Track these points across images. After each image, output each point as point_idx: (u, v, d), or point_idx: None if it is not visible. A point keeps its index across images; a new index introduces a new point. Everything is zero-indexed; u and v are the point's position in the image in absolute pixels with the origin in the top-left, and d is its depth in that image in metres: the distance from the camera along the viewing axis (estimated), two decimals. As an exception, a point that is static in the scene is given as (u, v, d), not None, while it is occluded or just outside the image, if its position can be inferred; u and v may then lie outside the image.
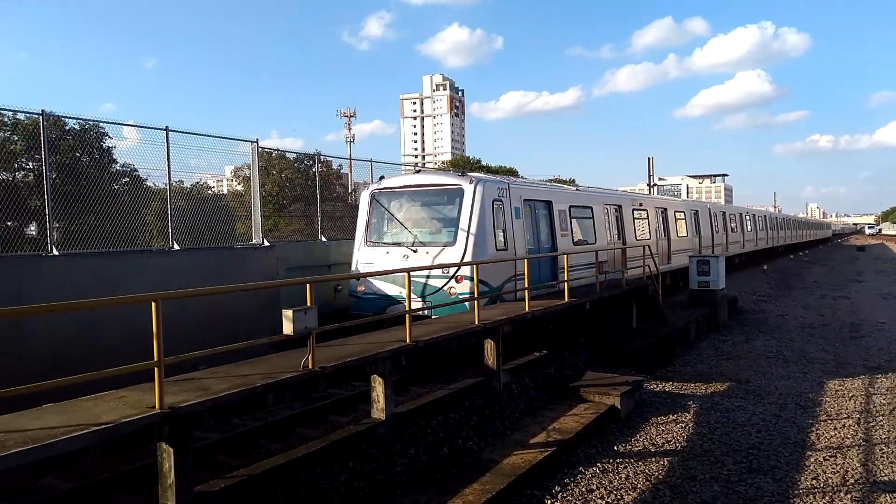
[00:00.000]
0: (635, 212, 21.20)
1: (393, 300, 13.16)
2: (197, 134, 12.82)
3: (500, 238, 13.58)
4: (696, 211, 28.73)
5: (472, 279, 11.23)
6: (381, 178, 15.61)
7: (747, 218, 41.32)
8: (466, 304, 11.87)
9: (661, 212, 24.20)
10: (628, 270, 17.28)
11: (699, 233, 28.10)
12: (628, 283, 16.44)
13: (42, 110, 10.51)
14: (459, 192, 13.48)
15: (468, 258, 12.72)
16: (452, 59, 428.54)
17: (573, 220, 16.79)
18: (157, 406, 5.87)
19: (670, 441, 9.79)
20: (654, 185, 51.46)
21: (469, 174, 14.22)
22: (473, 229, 13.06)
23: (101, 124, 13.94)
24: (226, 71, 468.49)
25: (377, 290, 13.47)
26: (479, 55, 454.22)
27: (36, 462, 5.06)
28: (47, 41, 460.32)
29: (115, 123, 14.09)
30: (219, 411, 6.38)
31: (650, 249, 19.20)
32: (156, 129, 12.17)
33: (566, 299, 13.23)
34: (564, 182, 42.76)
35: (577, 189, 18.83)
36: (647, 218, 22.37)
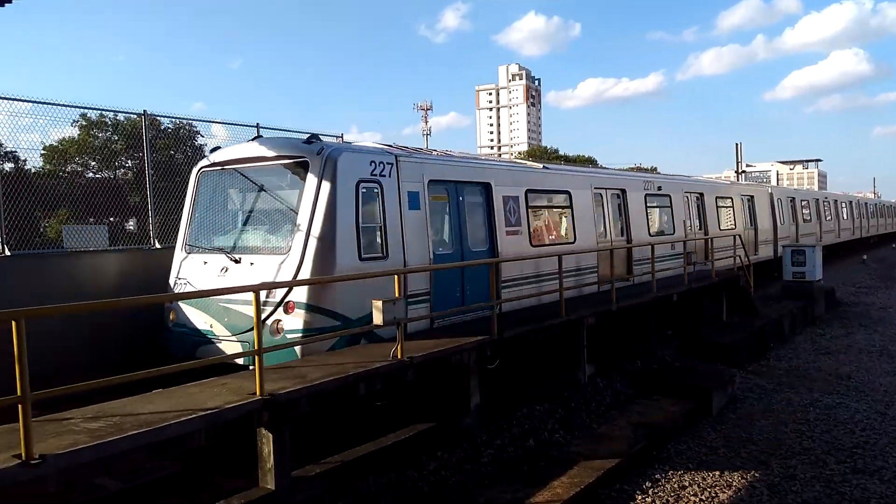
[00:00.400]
0: (649, 197, 16.35)
1: (203, 337, 8.94)
2: (291, 131, 13.18)
3: (374, 240, 9.05)
4: (752, 196, 23.88)
5: (311, 309, 8.15)
6: (215, 149, 10.70)
7: (843, 205, 38.95)
8: (297, 348, 8.01)
9: (698, 197, 19.88)
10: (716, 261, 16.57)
11: (754, 223, 25.60)
12: (718, 275, 15.86)
13: (144, 111, 11.11)
14: (303, 168, 8.88)
15: (306, 273, 8.30)
16: (529, 48, 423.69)
17: (533, 211, 12.20)
18: (257, 393, 6.12)
19: (766, 438, 9.43)
20: (742, 171, 49.42)
21: (322, 140, 9.30)
22: (318, 228, 8.43)
23: (192, 122, 14.67)
24: (308, 68, 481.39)
25: (186, 322, 9.18)
26: (556, 43, 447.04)
27: (150, 444, 5.39)
28: (141, 44, 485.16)
29: (206, 121, 14.78)
30: (314, 398, 6.59)
31: (741, 239, 18.38)
32: (247, 125, 12.64)
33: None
34: (645, 170, 41.51)
35: (544, 168, 13.68)
36: (671, 205, 17.34)
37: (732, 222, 21.97)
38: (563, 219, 13.37)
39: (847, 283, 26.03)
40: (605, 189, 14.38)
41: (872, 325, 18.04)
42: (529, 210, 11.89)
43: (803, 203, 29.98)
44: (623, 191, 14.97)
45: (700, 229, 19.32)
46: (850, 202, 43.22)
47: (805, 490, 7.71)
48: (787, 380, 12.52)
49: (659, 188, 16.78)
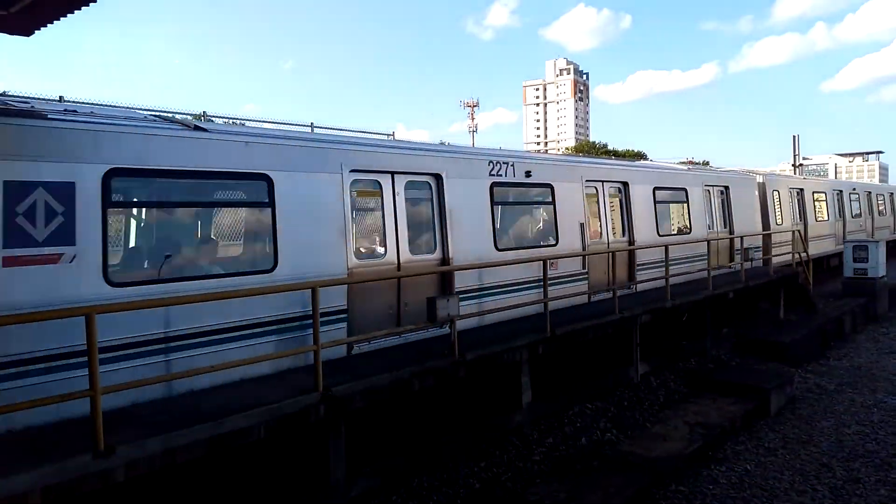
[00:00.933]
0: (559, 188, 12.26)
1: None
2: (340, 129, 13.34)
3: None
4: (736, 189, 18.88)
5: None
6: None
7: (880, 198, 37.24)
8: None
9: (798, 192, 20.44)
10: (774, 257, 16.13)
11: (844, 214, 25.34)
12: (775, 272, 15.44)
13: (203, 112, 11.41)
14: None
15: None
16: (577, 41, 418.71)
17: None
18: (316, 388, 6.24)
19: (828, 440, 9.15)
20: (800, 164, 47.99)
21: None
22: None
23: (245, 123, 14.97)
24: (356, 68, 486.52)
25: None
26: (606, 36, 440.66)
27: (211, 438, 5.55)
28: (197, 47, 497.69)
29: (259, 121, 15.05)
30: (369, 394, 6.69)
31: (800, 234, 17.83)
32: (303, 125, 12.84)
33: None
34: (697, 164, 40.57)
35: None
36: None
37: (824, 215, 22.05)
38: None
39: (912, 280, 24.99)
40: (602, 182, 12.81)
41: (940, 323, 17.29)
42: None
43: (853, 195, 28.96)
44: (625, 184, 13.30)
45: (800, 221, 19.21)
46: None
47: (870, 494, 7.47)
48: (849, 380, 12.11)
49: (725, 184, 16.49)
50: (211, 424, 5.46)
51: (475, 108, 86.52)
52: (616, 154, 60.98)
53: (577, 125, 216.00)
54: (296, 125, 12.12)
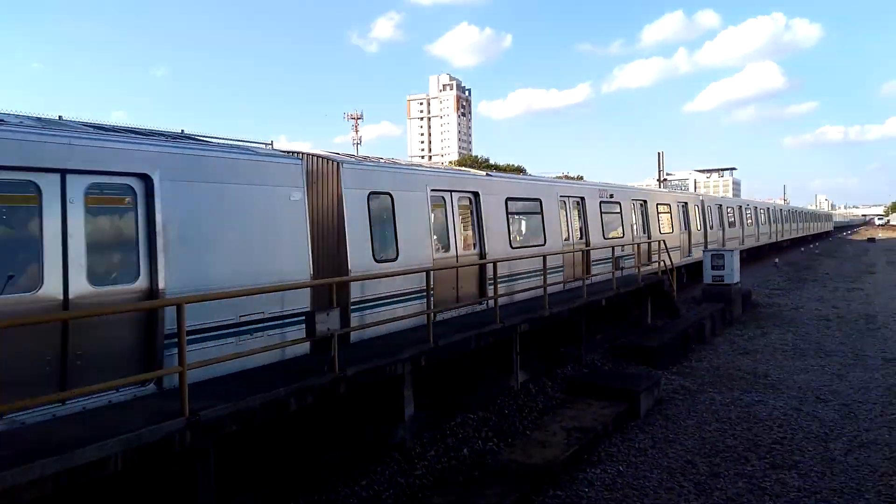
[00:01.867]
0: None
1: None
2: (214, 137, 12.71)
3: None
4: (627, 202, 20.52)
5: None
6: None
7: (761, 211, 40.96)
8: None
9: (642, 204, 20.96)
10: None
11: (688, 228, 26.97)
12: (643, 279, 16.33)
13: (59, 116, 10.53)
14: None
15: None
16: (461, 58, 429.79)
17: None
18: (182, 413, 5.84)
19: (691, 438, 9.71)
20: (664, 179, 51.37)
21: None
22: None
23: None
24: (235, 76, 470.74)
25: None
26: (488, 54, 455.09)
27: (58, 473, 5.03)
28: (59, 52, 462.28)
29: (128, 130, 14.11)
30: (242, 417, 6.35)
31: (665, 244, 19.02)
32: (173, 133, 12.15)
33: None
34: (572, 178, 42.50)
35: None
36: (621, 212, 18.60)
37: (670, 227, 23.29)
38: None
39: (761, 286, 27.32)
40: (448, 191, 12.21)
41: (785, 325, 18.95)
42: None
43: (729, 210, 31.64)
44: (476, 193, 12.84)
45: (644, 233, 20.24)
46: (768, 209, 45.67)
47: (729, 487, 7.97)
48: (710, 380, 12.97)
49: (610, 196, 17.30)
50: (58, 458, 4.95)
51: (359, 121, 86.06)
52: (498, 168, 62.58)
53: (460, 139, 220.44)
54: (167, 133, 11.50)
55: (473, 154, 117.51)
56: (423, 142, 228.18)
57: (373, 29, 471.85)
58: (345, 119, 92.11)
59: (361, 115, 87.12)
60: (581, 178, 56.01)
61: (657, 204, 22.50)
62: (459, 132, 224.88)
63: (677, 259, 21.98)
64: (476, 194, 12.77)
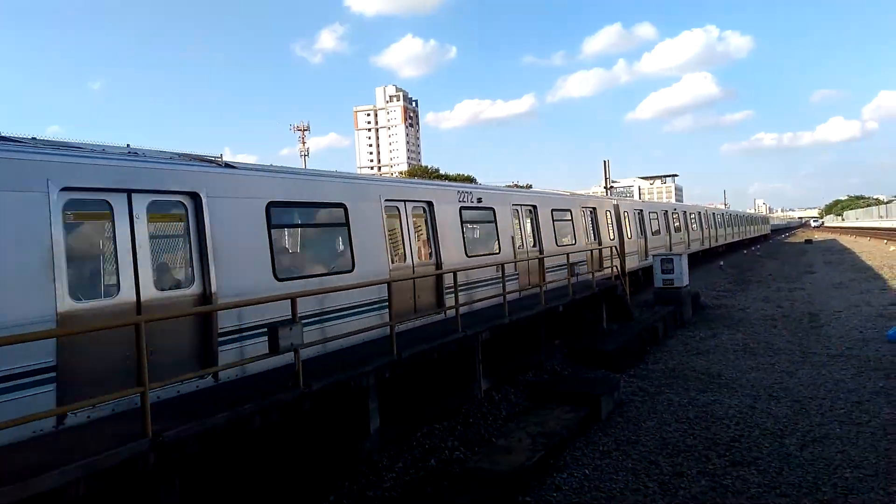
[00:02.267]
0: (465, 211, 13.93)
1: None
2: (164, 152, 12.38)
3: None
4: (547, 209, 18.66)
5: None
6: None
7: (692, 216, 42.05)
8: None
9: (592, 212, 21.19)
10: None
11: (644, 234, 27.70)
12: (598, 285, 16.60)
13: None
14: None
15: None
16: (407, 69, 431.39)
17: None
18: (145, 434, 5.64)
19: (653, 438, 9.88)
20: (610, 187, 52.40)
21: None
22: None
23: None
24: (177, 89, 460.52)
25: None
26: (434, 65, 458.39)
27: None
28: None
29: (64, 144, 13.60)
30: (207, 437, 6.17)
31: (617, 250, 19.38)
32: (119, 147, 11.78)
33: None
34: (521, 187, 42.97)
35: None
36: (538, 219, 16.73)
37: (616, 234, 23.72)
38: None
39: (708, 288, 28.11)
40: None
41: (734, 325, 19.52)
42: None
43: (652, 215, 32.21)
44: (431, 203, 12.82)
45: (595, 240, 20.54)
46: (699, 213, 46.74)
47: (692, 486, 8.13)
48: (666, 381, 13.24)
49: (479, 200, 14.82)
50: (12, 488, 4.70)
51: (306, 133, 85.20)
52: (448, 178, 62.87)
53: (408, 150, 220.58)
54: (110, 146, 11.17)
55: (423, 164, 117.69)
56: (371, 153, 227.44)
57: (317, 40, 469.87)
58: (291, 131, 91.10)
59: (308, 127, 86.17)
60: (530, 186, 56.71)
61: (552, 210, 19.17)
62: (408, 143, 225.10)
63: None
64: (430, 203, 12.85)
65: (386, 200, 11.60)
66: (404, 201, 12.23)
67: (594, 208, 22.11)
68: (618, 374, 13.52)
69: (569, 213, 19.57)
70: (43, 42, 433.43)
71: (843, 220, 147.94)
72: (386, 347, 9.04)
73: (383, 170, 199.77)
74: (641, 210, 28.48)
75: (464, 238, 13.71)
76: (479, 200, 14.71)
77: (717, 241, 48.58)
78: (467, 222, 14.06)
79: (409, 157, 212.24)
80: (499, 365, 12.33)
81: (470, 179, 72.02)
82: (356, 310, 10.04)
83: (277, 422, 7.08)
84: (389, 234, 11.48)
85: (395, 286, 10.31)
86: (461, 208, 13.78)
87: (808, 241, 74.55)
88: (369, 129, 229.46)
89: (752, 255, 52.07)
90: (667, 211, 32.30)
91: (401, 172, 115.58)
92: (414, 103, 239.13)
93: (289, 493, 7.72)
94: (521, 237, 16.48)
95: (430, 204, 12.81)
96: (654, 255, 22.61)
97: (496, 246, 15.16)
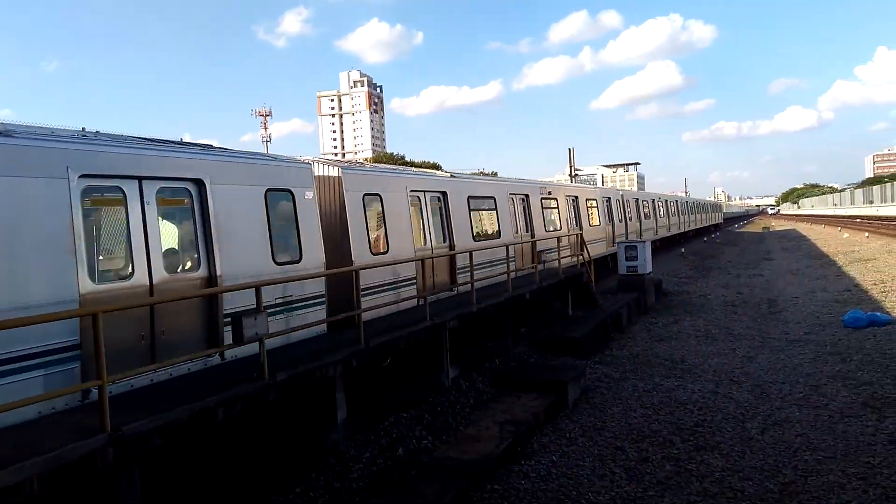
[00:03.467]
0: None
1: None
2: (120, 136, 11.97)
3: None
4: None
5: None
6: None
7: (671, 204, 42.74)
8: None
9: (574, 199, 23.57)
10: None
11: (611, 220, 28.63)
12: (564, 272, 16.69)
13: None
14: None
15: None
16: (372, 54, 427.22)
17: None
18: (103, 429, 5.44)
19: (619, 424, 9.98)
20: (575, 174, 52.80)
21: None
22: None
23: None
24: (135, 71, 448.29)
25: None
26: (400, 51, 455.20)
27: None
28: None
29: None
30: (168, 430, 5.99)
31: (582, 237, 19.59)
32: (71, 129, 11.34)
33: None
34: (487, 174, 42.99)
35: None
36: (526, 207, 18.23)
37: (597, 220, 25.62)
38: None
39: (670, 275, 28.57)
40: None
41: (696, 311, 19.87)
42: None
43: (644, 203, 32.99)
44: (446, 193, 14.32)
45: (577, 226, 21.18)
46: (677, 201, 47.63)
47: (658, 471, 8.23)
48: (631, 367, 13.40)
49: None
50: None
51: (269, 118, 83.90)
52: (414, 165, 62.63)
53: (373, 136, 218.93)
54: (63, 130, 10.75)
55: (388, 151, 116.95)
56: (335, 139, 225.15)
57: (281, 23, 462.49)
58: (253, 115, 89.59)
59: (270, 112, 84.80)
60: (496, 174, 56.80)
61: (541, 199, 20.34)
62: (373, 129, 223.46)
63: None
64: (444, 193, 14.28)
65: (411, 191, 13.04)
66: (424, 192, 13.62)
67: (576, 197, 23.78)
68: (583, 360, 13.62)
69: (555, 201, 21.10)
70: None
71: (798, 207, 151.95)
72: (352, 336, 8.92)
73: (347, 156, 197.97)
74: (621, 197, 29.95)
75: (471, 223, 15.13)
76: (482, 190, 16.35)
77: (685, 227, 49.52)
78: (473, 210, 15.44)
79: (373, 144, 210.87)
80: (466, 353, 12.30)
81: (435, 166, 71.84)
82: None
83: (242, 413, 6.92)
84: (413, 221, 12.95)
85: (418, 266, 12.27)
86: (469, 197, 15.18)
87: (766, 229, 76.32)
88: (333, 115, 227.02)
89: (711, 243, 53.12)
90: (637, 199, 33.12)
91: (365, 159, 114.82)
92: (378, 89, 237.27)
93: (255, 484, 7.57)
94: (516, 224, 17.73)
95: (444, 194, 14.21)
96: (618, 243, 22.87)
97: (497, 231, 16.59)
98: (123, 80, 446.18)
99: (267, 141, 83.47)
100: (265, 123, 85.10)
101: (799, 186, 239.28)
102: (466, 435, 9.39)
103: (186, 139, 10.41)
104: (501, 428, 9.51)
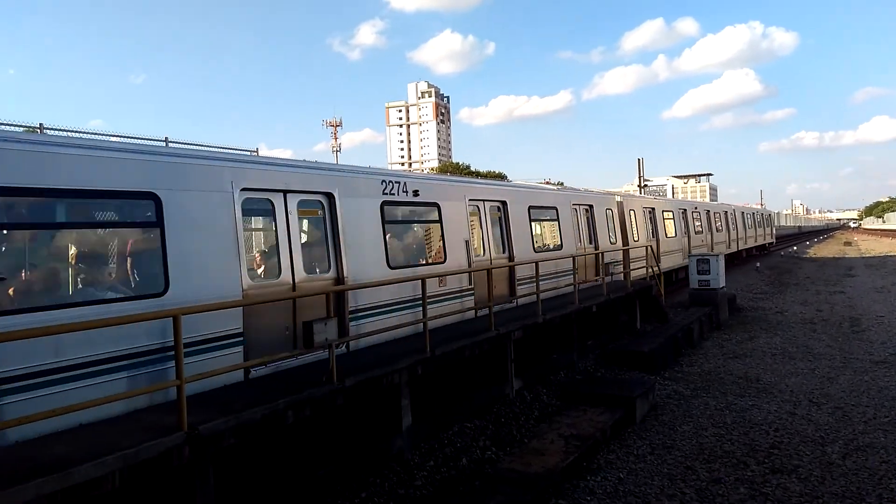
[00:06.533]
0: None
1: None
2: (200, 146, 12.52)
3: None
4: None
5: None
6: None
7: (748, 216, 41.30)
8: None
9: (651, 211, 23.50)
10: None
11: (687, 232, 28.06)
12: (633, 285, 16.34)
13: (40, 124, 10.26)
14: None
15: None
16: (443, 65, 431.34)
17: None
18: (180, 427, 5.66)
19: (689, 443, 9.67)
20: (644, 185, 51.72)
21: None
22: None
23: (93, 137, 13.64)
24: (215, 84, 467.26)
25: None
26: (471, 61, 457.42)
27: (55, 493, 4.84)
28: (35, 58, 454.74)
29: (106, 135, 13.78)
30: (241, 430, 6.17)
31: (652, 250, 19.14)
32: (154, 140, 11.91)
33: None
34: (552, 184, 42.57)
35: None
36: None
37: (674, 231, 25.52)
38: None
39: (745, 290, 27.55)
40: None
41: (772, 328, 19.08)
42: None
43: (716, 215, 32.49)
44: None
45: (653, 237, 20.89)
46: (753, 214, 45.78)
47: (731, 493, 7.92)
48: (702, 384, 12.97)
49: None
50: (56, 476, 4.75)
51: (338, 128, 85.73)
52: (479, 175, 62.76)
53: (439, 146, 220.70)
54: (148, 140, 11.25)
55: (454, 161, 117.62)
56: (402, 149, 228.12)
57: (355, 35, 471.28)
58: (324, 126, 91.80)
59: (340, 123, 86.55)
60: (562, 184, 56.21)
61: (606, 209, 19.89)
62: (439, 139, 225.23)
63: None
64: (504, 203, 14.01)
65: (469, 200, 12.95)
66: (484, 200, 13.48)
67: (653, 209, 23.56)
68: (652, 376, 13.28)
69: (627, 211, 21.08)
70: (87, 36, 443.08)
71: (884, 222, 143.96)
72: (418, 345, 8.99)
73: (414, 166, 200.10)
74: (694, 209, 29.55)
75: (531, 234, 14.84)
76: (544, 199, 15.99)
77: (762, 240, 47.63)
78: (534, 220, 15.20)
79: (439, 154, 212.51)
80: (531, 364, 12.19)
81: (501, 176, 71.77)
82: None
83: (311, 416, 7.06)
84: (471, 230, 12.90)
85: (476, 276, 12.17)
86: (529, 207, 14.88)
87: (848, 243, 72.43)
88: (401, 126, 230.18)
89: (788, 257, 50.92)
90: (685, 210, 32.27)
91: (431, 168, 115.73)
92: (446, 99, 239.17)
93: (321, 488, 7.70)
94: (579, 235, 17.35)
95: (504, 203, 14.00)
96: (690, 256, 22.25)
97: (559, 242, 16.24)
98: (204, 93, 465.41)
99: (337, 151, 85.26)
100: (335, 133, 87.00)
101: (884, 200, 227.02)
102: (531, 447, 9.28)
103: (262, 149, 10.80)
104: (567, 442, 9.36)
